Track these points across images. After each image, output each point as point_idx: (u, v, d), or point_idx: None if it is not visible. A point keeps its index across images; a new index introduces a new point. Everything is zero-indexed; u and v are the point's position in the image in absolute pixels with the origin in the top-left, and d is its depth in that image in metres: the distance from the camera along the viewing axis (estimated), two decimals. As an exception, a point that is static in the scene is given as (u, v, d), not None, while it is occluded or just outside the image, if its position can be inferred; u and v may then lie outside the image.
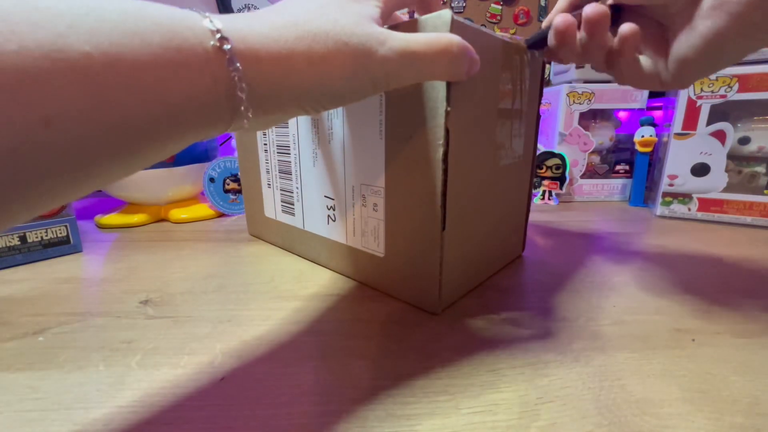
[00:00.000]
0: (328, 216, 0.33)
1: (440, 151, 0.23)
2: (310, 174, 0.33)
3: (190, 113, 0.14)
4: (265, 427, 0.17)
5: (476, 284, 0.31)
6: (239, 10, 0.71)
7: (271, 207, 0.40)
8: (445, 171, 0.24)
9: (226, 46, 0.14)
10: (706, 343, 0.24)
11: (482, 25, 0.85)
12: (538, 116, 0.35)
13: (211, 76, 0.14)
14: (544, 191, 0.63)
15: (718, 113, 0.49)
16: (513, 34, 0.84)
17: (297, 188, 0.35)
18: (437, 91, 0.23)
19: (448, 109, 0.22)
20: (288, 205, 0.37)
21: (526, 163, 0.35)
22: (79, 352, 0.23)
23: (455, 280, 0.28)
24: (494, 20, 0.83)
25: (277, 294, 0.30)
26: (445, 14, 0.21)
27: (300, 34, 0.16)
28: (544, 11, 0.83)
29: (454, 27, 0.21)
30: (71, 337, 0.25)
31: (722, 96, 0.48)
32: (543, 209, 0.59)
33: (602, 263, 0.36)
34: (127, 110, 0.12)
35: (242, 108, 0.15)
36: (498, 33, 0.27)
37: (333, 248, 0.34)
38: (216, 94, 0.14)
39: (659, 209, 0.54)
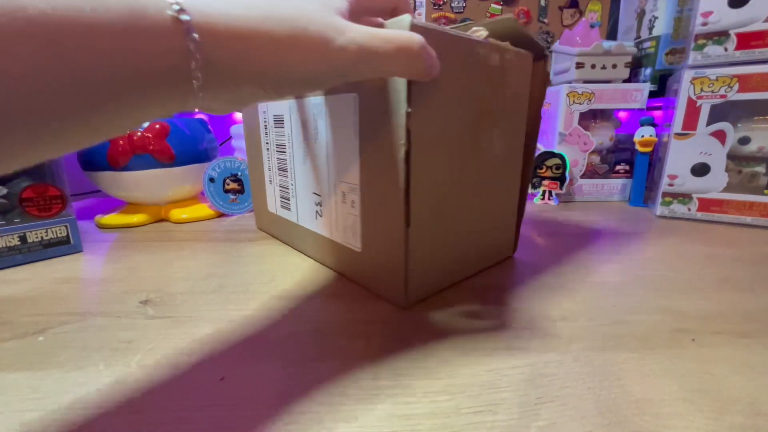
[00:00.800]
0: (316, 211, 0.34)
1: (402, 151, 0.24)
2: (302, 171, 0.35)
3: (147, 79, 0.14)
4: (264, 427, 0.17)
5: (452, 283, 0.32)
6: None
7: (273, 202, 0.42)
8: (407, 170, 0.24)
9: (184, 17, 0.14)
10: (706, 343, 0.24)
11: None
12: (536, 115, 0.34)
13: (167, 45, 0.14)
14: (544, 191, 0.63)
15: (718, 113, 0.49)
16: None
17: (292, 185, 0.37)
18: (399, 92, 0.23)
19: (409, 110, 0.23)
20: (285, 201, 0.39)
21: (514, 163, 0.34)
22: (79, 352, 0.23)
23: (425, 276, 0.28)
24: (494, 20, 0.83)
25: (278, 294, 0.30)
26: (405, 18, 0.22)
27: (263, 15, 0.16)
28: (544, 11, 0.83)
29: (414, 30, 0.22)
30: (71, 337, 0.25)
31: (722, 96, 0.48)
32: (543, 209, 0.59)
33: (602, 263, 0.36)
34: (85, 69, 0.13)
35: (199, 80, 0.15)
36: (481, 34, 0.27)
37: (320, 242, 0.35)
38: (173, 62, 0.15)
39: (659, 209, 0.54)
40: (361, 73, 0.20)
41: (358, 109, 0.27)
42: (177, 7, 0.14)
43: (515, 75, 0.31)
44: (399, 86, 0.23)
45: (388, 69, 0.21)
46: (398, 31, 0.20)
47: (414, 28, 0.22)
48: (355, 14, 0.21)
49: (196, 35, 0.15)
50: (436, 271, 0.29)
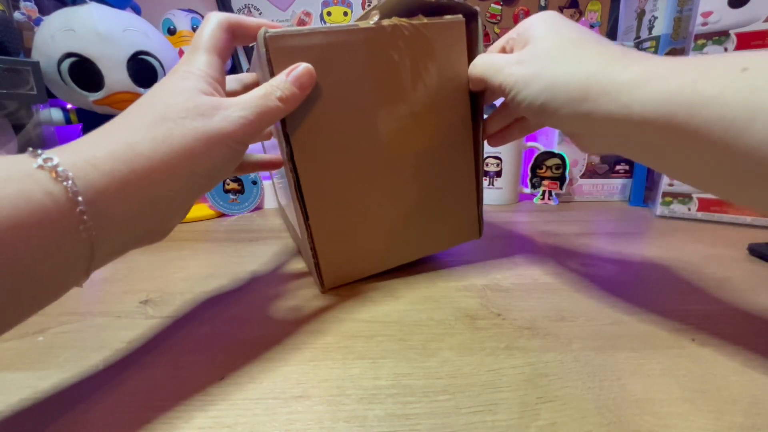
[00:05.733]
0: (288, 200, 0.38)
1: (285, 152, 0.26)
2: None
3: (50, 267, 0.15)
4: (265, 426, 0.18)
5: (388, 268, 0.33)
6: (239, 10, 0.71)
7: (279, 192, 0.49)
8: (294, 169, 0.26)
9: (80, 208, 0.15)
10: (706, 343, 0.24)
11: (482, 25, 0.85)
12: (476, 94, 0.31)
13: (63, 234, 0.15)
14: (543, 191, 0.63)
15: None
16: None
17: (283, 177, 0.41)
18: None
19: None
20: (280, 189, 0.45)
21: (458, 145, 0.32)
22: (79, 352, 0.23)
23: (343, 263, 0.30)
24: (494, 20, 0.83)
25: (277, 294, 0.30)
26: (261, 32, 0.23)
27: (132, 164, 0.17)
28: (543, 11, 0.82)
29: (269, 40, 0.23)
30: (71, 337, 0.25)
31: (722, 96, 0.48)
32: (543, 209, 0.59)
33: (602, 263, 0.36)
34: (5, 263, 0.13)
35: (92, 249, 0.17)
36: (373, 19, 0.26)
37: (290, 227, 0.40)
38: (70, 248, 0.16)
39: (659, 209, 0.54)
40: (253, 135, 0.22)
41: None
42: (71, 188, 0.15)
43: (439, 47, 0.28)
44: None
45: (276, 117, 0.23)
46: (255, 94, 0.22)
47: (271, 39, 0.23)
48: (221, 62, 0.23)
49: (86, 218, 0.15)
50: (357, 258, 0.31)
